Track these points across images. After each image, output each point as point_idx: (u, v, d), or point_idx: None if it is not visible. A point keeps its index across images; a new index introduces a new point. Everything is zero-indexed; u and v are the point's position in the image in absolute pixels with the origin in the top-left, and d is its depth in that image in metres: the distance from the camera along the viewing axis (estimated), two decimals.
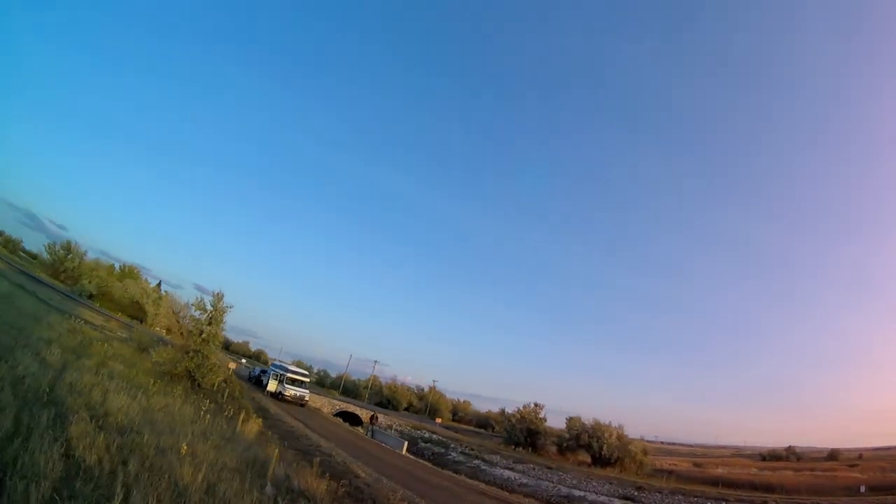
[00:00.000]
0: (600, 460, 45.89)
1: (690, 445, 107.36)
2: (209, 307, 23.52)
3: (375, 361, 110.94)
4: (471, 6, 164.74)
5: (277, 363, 46.64)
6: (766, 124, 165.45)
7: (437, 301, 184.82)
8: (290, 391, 37.61)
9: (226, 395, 21.39)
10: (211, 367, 22.57)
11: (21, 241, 62.70)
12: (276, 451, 12.57)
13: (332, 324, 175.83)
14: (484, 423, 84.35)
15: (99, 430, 9.27)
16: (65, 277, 52.74)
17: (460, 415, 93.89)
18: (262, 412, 22.45)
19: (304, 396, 39.20)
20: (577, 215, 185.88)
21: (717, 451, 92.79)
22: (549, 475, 35.16)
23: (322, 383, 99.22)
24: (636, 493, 28.28)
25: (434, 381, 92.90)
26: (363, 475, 13.29)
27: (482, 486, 22.34)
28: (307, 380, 41.56)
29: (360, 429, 38.87)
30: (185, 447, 9.61)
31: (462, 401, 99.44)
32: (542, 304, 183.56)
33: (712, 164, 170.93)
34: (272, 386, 38.30)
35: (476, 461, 40.06)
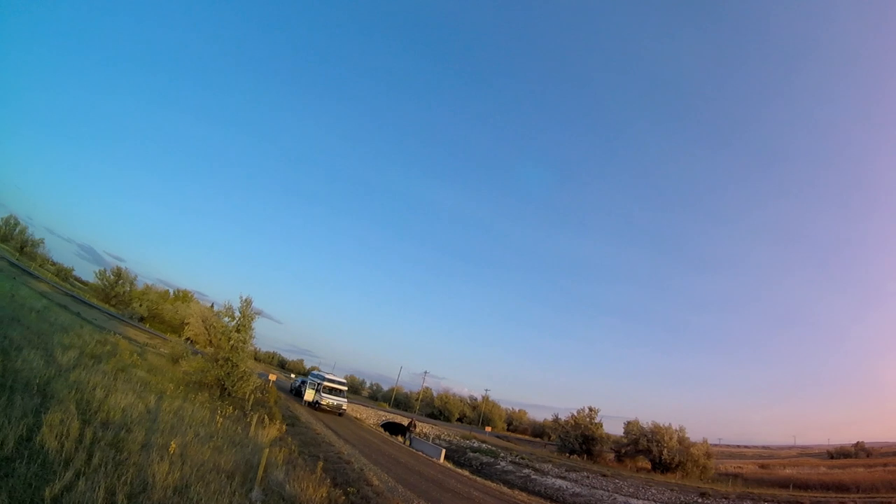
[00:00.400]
0: (660, 465, 42.83)
1: (755, 447, 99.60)
2: (237, 314, 23.45)
3: (425, 372, 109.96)
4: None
5: (315, 372, 44.72)
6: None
7: (490, 310, 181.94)
8: (327, 400, 36.54)
9: (251, 403, 21.03)
10: (241, 375, 22.36)
11: (73, 269, 66.04)
12: (281, 454, 11.78)
13: (384, 338, 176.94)
14: (539, 432, 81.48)
15: (85, 424, 8.93)
16: (116, 302, 55.16)
17: (515, 424, 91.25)
18: (292, 420, 21.94)
19: (341, 405, 37.91)
20: (627, 216, 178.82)
21: (782, 451, 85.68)
22: (605, 483, 32.77)
23: (374, 397, 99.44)
24: (699, 501, 25.64)
25: (487, 390, 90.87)
26: (377, 483, 12.26)
27: (523, 496, 20.67)
28: (344, 388, 40.13)
29: (399, 438, 37.58)
30: (174, 445, 9.01)
31: (517, 410, 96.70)
32: (601, 309, 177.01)
33: (763, 154, 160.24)
34: (309, 395, 37.58)
35: (526, 470, 38.18)
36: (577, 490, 32.14)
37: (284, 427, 18.55)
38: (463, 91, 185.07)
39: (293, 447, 14.72)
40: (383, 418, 53.69)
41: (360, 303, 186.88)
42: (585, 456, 50.95)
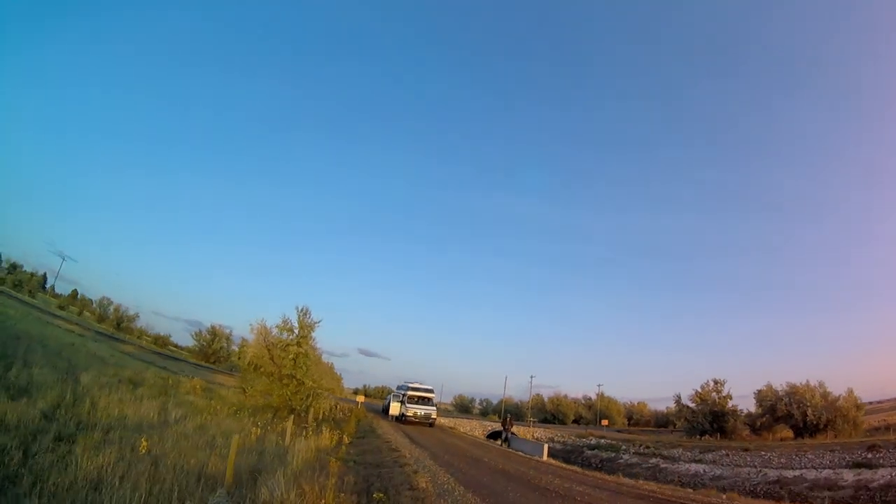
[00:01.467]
0: (805, 429, 36.91)
1: (888, 400, 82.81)
2: (295, 326, 22.48)
3: (532, 377, 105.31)
4: None
5: (401, 385, 40.95)
6: None
7: (593, 306, 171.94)
8: (413, 410, 33.52)
9: (319, 419, 19.70)
10: (309, 392, 21.21)
11: (170, 336, 69.80)
12: (296, 458, 9.98)
13: (488, 353, 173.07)
14: (663, 422, 74.66)
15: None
16: (215, 359, 58.24)
17: (636, 418, 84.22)
18: (365, 433, 20.32)
19: (429, 415, 34.31)
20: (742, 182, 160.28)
21: None
22: (749, 459, 27.57)
23: (485, 412, 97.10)
24: (870, 456, 20.25)
25: (599, 385, 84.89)
26: (424, 486, 10.02)
27: (650, 486, 17.03)
28: (432, 395, 36.51)
29: (497, 442, 34.40)
30: (145, 444, 7.69)
31: (636, 403, 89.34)
32: (715, 282, 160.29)
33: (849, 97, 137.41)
34: (394, 409, 34.92)
35: (654, 460, 33.51)
36: (718, 472, 27.27)
37: (349, 438, 16.88)
38: None
39: (345, 455, 12.91)
40: (489, 428, 51.10)
41: (459, 322, 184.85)
42: (718, 435, 44.69)
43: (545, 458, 23.48)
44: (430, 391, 36.74)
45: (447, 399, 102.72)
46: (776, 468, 24.39)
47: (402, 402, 34.81)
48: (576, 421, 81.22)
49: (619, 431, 60.49)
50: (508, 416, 38.49)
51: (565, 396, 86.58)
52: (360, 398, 48.21)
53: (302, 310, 22.80)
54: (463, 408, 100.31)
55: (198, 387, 21.26)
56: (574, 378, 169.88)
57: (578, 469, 22.28)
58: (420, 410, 33.98)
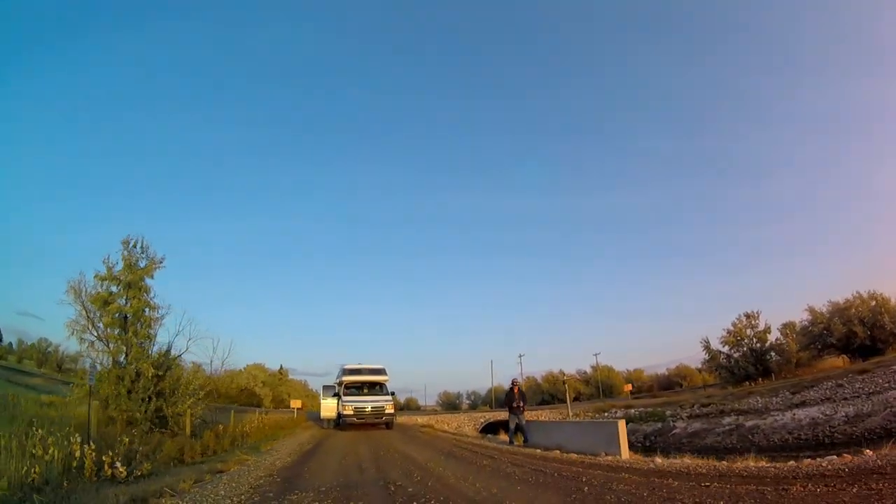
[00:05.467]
0: (871, 349, 31.03)
1: None
2: (117, 268, 12.27)
3: (521, 355, 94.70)
4: None
5: (339, 372, 25.07)
6: None
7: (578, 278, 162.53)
8: (353, 405, 21.20)
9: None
10: (147, 384, 10.98)
11: None
12: None
13: (467, 345, 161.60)
14: (665, 385, 68.66)
15: None
16: None
17: (637, 385, 77.61)
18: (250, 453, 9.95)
19: (382, 408, 21.75)
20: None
21: None
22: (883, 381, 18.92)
23: (475, 406, 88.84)
24: None
25: (596, 354, 77.20)
26: None
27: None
28: (383, 378, 23.37)
29: (502, 436, 21.38)
30: None
31: (633, 370, 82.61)
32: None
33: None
34: (326, 409, 23.93)
35: (728, 419, 24.40)
36: (850, 409, 18.41)
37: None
38: None
39: None
40: (481, 421, 43.62)
41: (422, 319, 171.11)
42: (761, 379, 36.70)
43: (624, 453, 11.12)
44: (380, 372, 23.78)
45: (431, 401, 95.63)
46: None
47: (338, 396, 22.94)
48: (576, 398, 73.55)
49: (636, 398, 52.11)
50: (516, 384, 17.48)
51: (562, 372, 78.66)
52: (297, 403, 36.76)
53: (132, 242, 12.75)
54: (450, 405, 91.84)
55: None
56: (562, 357, 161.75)
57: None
58: (366, 404, 21.67)
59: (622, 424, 11.69)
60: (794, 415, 20.17)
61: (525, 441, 15.71)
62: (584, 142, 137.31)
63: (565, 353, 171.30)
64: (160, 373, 11.94)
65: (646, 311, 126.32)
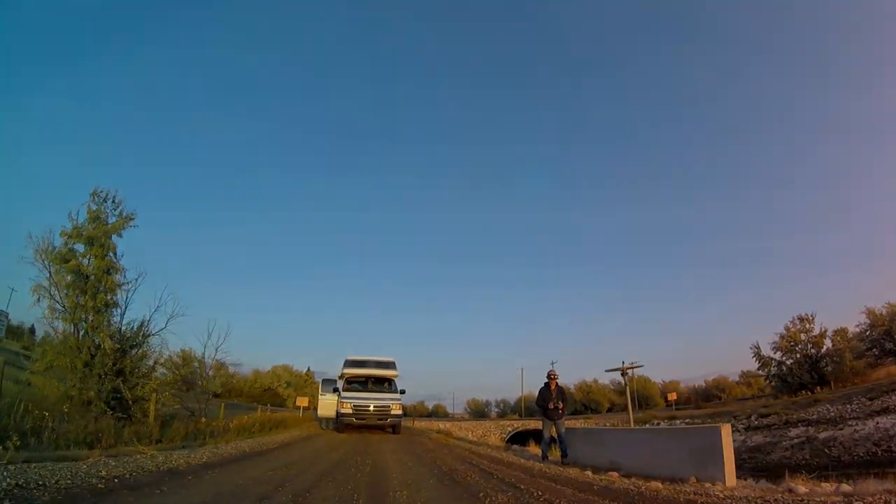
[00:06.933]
0: None
1: None
2: (81, 222, 11.20)
3: (553, 362, 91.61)
4: None
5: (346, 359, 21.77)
6: None
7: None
8: (354, 403, 18.05)
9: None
10: (106, 361, 9.71)
11: None
12: None
13: (495, 356, 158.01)
14: (703, 396, 64.60)
15: None
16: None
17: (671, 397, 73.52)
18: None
19: (388, 408, 18.46)
20: None
21: None
22: None
23: (504, 414, 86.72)
24: None
25: (634, 363, 73.19)
26: None
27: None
28: (392, 373, 20.36)
29: (532, 447, 17.70)
30: None
31: (668, 381, 78.60)
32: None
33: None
34: (324, 408, 21.33)
35: (794, 430, 21.62)
36: None
37: None
38: None
39: None
40: (509, 429, 42.53)
41: (452, 328, 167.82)
42: (818, 388, 33.26)
43: (729, 480, 7.20)
44: (388, 365, 20.65)
45: (459, 408, 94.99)
46: None
47: (338, 392, 19.97)
48: (609, 409, 69.97)
49: (678, 409, 48.75)
50: (553, 378, 12.74)
51: (595, 381, 75.23)
52: (304, 402, 34.22)
53: (100, 194, 11.70)
54: (478, 413, 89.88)
55: None
56: (594, 365, 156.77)
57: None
58: (369, 402, 18.35)
59: (727, 432, 7.75)
60: (877, 423, 17.40)
61: (563, 456, 11.68)
62: (632, 152, 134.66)
63: (596, 363, 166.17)
64: (123, 347, 10.68)
65: (678, 324, 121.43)
